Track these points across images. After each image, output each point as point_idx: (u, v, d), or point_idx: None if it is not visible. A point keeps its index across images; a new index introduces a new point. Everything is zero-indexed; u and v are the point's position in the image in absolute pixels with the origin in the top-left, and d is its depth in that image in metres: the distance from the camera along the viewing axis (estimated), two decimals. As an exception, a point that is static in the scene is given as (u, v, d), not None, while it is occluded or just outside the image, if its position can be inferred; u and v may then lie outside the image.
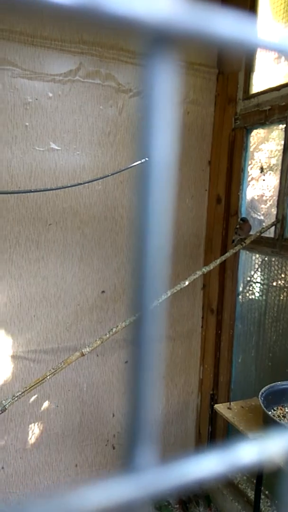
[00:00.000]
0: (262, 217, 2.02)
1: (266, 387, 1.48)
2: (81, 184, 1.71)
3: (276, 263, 1.86)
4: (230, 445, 0.16)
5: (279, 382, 1.52)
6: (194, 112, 2.10)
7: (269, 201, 1.96)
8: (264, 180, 1.97)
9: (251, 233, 1.80)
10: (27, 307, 1.85)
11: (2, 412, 1.26)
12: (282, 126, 1.76)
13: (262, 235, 1.79)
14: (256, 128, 1.96)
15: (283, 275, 1.84)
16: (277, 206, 1.78)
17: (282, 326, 1.84)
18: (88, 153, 1.87)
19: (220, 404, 1.71)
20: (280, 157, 1.76)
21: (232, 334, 2.11)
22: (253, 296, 2.04)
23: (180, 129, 2.07)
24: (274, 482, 1.85)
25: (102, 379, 2.08)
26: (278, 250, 1.77)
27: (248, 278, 2.04)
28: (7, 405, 1.26)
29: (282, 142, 1.73)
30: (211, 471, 0.16)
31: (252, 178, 2.03)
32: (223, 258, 1.76)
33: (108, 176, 1.70)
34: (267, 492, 1.90)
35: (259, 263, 1.98)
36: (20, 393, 1.29)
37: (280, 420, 1.40)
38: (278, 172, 1.78)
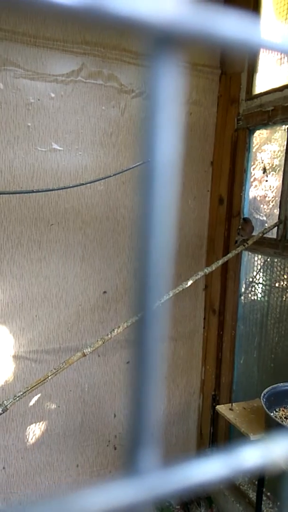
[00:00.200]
0: (264, 218, 2.02)
1: (268, 388, 1.48)
2: (83, 184, 1.71)
3: (279, 264, 1.86)
4: (233, 448, 0.16)
5: (282, 383, 1.51)
6: (197, 113, 2.10)
7: (272, 202, 1.96)
8: (266, 181, 1.96)
9: (253, 234, 1.80)
10: (28, 307, 1.85)
11: (3, 412, 1.26)
12: (285, 127, 1.75)
13: (265, 236, 1.79)
14: (259, 129, 1.95)
15: (285, 276, 1.83)
16: (280, 207, 1.77)
17: (284, 327, 1.84)
18: (90, 153, 1.87)
19: (222, 405, 1.71)
20: (283, 158, 1.75)
21: (234, 335, 2.11)
22: (255, 297, 2.04)
23: (183, 130, 2.07)
24: (276, 483, 1.84)
25: (104, 379, 2.08)
26: (281, 251, 1.77)
27: (250, 279, 2.04)
28: (9, 405, 1.26)
29: (285, 143, 1.73)
30: (214, 475, 0.16)
31: (254, 179, 2.03)
32: (225, 259, 1.76)
33: (110, 176, 1.70)
34: (269, 494, 1.89)
35: (262, 264, 1.97)
36: (21, 393, 1.29)
37: (282, 421, 1.39)
38: (281, 173, 1.78)
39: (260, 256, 1.97)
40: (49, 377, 1.33)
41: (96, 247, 1.96)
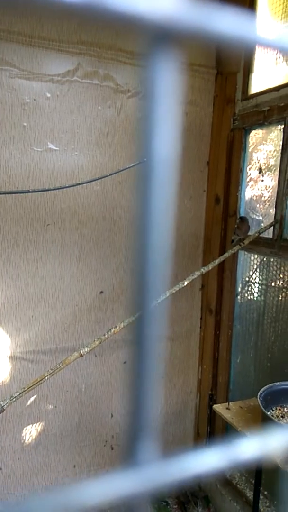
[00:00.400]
0: (260, 218, 2.03)
1: (265, 387, 1.48)
2: (79, 184, 1.71)
3: (275, 263, 1.87)
4: (230, 441, 0.16)
5: (278, 383, 1.52)
6: (193, 113, 2.10)
7: (268, 201, 1.96)
8: (262, 180, 1.97)
9: (249, 233, 1.80)
10: (25, 308, 1.85)
11: (0, 413, 1.26)
12: (281, 127, 1.76)
13: (261, 235, 1.79)
14: (254, 129, 1.96)
15: (281, 276, 1.84)
16: (276, 207, 1.78)
17: (280, 326, 1.85)
18: (86, 153, 1.87)
19: (219, 405, 1.71)
20: (279, 158, 1.76)
21: (231, 334, 2.11)
22: (251, 297, 2.04)
23: (179, 128, 2.07)
24: (273, 482, 1.85)
25: (101, 379, 2.07)
26: (277, 250, 1.77)
27: (247, 279, 2.05)
28: (5, 406, 1.26)
29: (281, 143, 1.74)
30: (211, 466, 0.16)
31: (250, 179, 2.03)
32: (221, 258, 1.76)
33: (107, 176, 1.70)
34: (266, 493, 1.90)
35: (258, 263, 1.98)
36: (18, 393, 1.28)
37: (278, 420, 1.40)
38: (277, 173, 1.78)
39: (256, 256, 1.97)
40: (46, 378, 1.33)
41: (92, 247, 1.95)
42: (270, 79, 1.84)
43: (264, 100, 1.83)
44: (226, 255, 1.77)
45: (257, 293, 2.01)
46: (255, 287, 2.02)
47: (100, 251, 1.97)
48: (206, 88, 2.11)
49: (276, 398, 1.49)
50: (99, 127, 1.88)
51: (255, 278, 2.01)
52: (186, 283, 1.59)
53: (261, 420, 1.46)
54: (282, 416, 1.43)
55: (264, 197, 1.98)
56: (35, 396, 1.92)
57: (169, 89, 0.15)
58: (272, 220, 1.79)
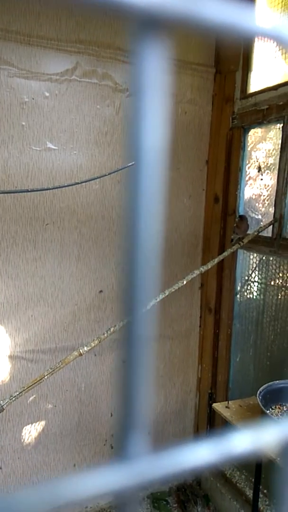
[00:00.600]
0: (259, 217, 2.03)
1: (264, 386, 1.48)
2: (78, 183, 1.70)
3: (274, 262, 1.87)
4: (223, 435, 0.16)
5: (277, 381, 1.52)
6: (192, 112, 2.10)
7: (267, 200, 1.96)
8: (261, 179, 1.97)
9: (248, 232, 1.80)
10: (24, 307, 1.85)
11: (0, 412, 1.26)
12: (280, 126, 1.76)
13: (260, 234, 1.79)
14: (253, 128, 1.96)
15: (280, 274, 1.84)
16: (275, 206, 1.78)
17: (280, 325, 1.85)
18: (85, 152, 1.87)
19: (218, 403, 1.71)
20: (278, 157, 1.76)
21: (230, 333, 2.11)
22: (251, 296, 2.04)
23: (177, 129, 2.07)
24: (273, 480, 1.85)
25: (100, 378, 2.07)
26: (276, 249, 1.77)
27: (246, 278, 2.05)
28: (5, 405, 1.26)
29: (280, 142, 1.74)
30: (204, 460, 0.16)
31: (249, 178, 2.03)
32: (220, 257, 1.76)
33: (105, 175, 1.70)
34: (265, 491, 1.90)
35: (257, 262, 1.98)
36: (17, 393, 1.28)
37: (278, 418, 1.40)
38: (276, 172, 1.78)
39: (255, 255, 1.97)
40: (46, 377, 1.33)
41: (91, 246, 1.95)
42: (269, 78, 1.84)
43: (263, 98, 1.83)
44: (225, 254, 1.77)
45: (256, 292, 2.01)
46: (254, 286, 2.02)
47: (99, 250, 1.97)
48: (205, 87, 2.11)
49: (275, 396, 1.49)
50: (98, 126, 1.88)
51: (254, 277, 2.01)
52: (185, 282, 1.59)
53: (260, 418, 1.46)
54: (281, 415, 1.43)
55: (263, 196, 1.97)
56: (34, 395, 1.92)
57: (158, 82, 0.15)
58: (271, 219, 1.79)
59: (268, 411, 1.41)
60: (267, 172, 1.93)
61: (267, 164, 1.93)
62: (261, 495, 1.83)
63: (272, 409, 1.47)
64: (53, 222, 1.85)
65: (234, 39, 0.17)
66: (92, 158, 1.88)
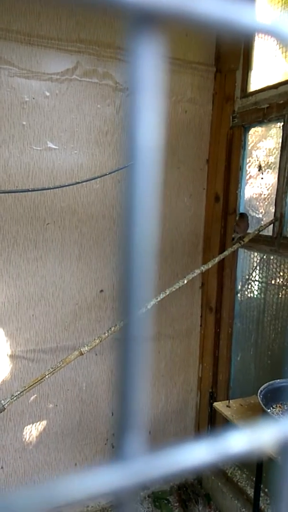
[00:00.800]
0: (260, 216, 2.02)
1: (265, 385, 1.48)
2: (79, 183, 1.71)
3: (275, 261, 1.87)
4: (222, 434, 0.16)
5: (278, 380, 1.52)
6: (192, 111, 2.10)
7: (268, 199, 1.96)
8: (262, 178, 1.97)
9: (249, 231, 1.80)
10: (25, 307, 1.85)
11: (1, 412, 1.26)
12: (280, 124, 1.76)
13: (261, 233, 1.79)
14: (254, 126, 1.96)
15: (281, 273, 1.84)
16: (275, 205, 1.78)
17: (280, 324, 1.85)
18: (85, 152, 1.87)
19: (219, 402, 1.71)
20: (278, 155, 1.76)
21: (231, 332, 2.11)
22: (251, 295, 2.04)
23: (177, 128, 2.07)
24: (274, 480, 1.85)
25: (101, 378, 2.08)
26: (277, 248, 1.77)
27: (247, 277, 2.04)
28: (6, 405, 1.26)
29: (280, 140, 1.73)
30: (203, 459, 0.16)
31: (250, 177, 2.03)
32: (221, 256, 1.76)
33: (106, 175, 1.70)
34: (266, 490, 1.90)
35: (258, 261, 1.98)
36: (19, 392, 1.29)
37: (278, 417, 1.40)
38: (276, 170, 1.78)
39: (256, 254, 1.97)
40: (47, 376, 1.33)
41: (92, 246, 1.95)
42: (269, 77, 1.84)
43: (263, 97, 1.82)
44: (226, 253, 1.77)
45: (257, 291, 2.01)
46: (255, 285, 2.02)
47: (100, 250, 1.97)
48: (205, 86, 2.11)
49: (276, 395, 1.49)
50: (99, 126, 1.88)
51: (255, 276, 2.01)
52: (185, 281, 1.59)
53: (261, 417, 1.46)
54: (282, 414, 1.43)
55: (264, 194, 1.97)
56: (36, 395, 1.92)
57: (155, 80, 0.15)
58: (272, 218, 1.79)
59: (269, 410, 1.41)
60: (268, 171, 1.92)
61: (268, 163, 1.92)
62: (262, 494, 1.83)
63: (273, 408, 1.47)
64: (54, 222, 1.85)
65: (233, 36, 0.17)
66: (93, 157, 1.88)
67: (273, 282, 1.90)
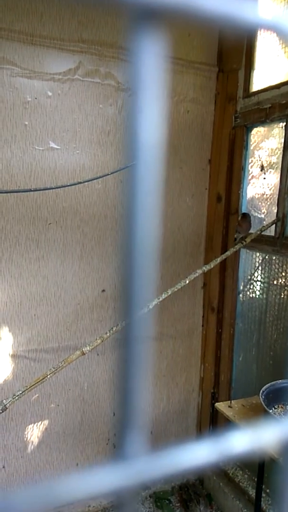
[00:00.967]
0: (262, 216, 2.02)
1: (267, 385, 1.48)
2: (81, 183, 1.71)
3: (277, 261, 1.86)
4: (223, 434, 0.16)
5: (280, 381, 1.52)
6: (194, 111, 2.09)
7: (270, 199, 1.96)
8: (264, 178, 1.96)
9: (251, 231, 1.80)
10: (27, 306, 1.85)
11: (2, 411, 1.26)
12: (283, 124, 1.75)
13: (263, 233, 1.79)
14: (256, 126, 1.95)
15: (283, 274, 1.84)
16: (278, 205, 1.77)
17: (283, 324, 1.84)
18: (88, 152, 1.87)
19: (221, 403, 1.71)
20: (281, 155, 1.76)
21: (233, 332, 2.11)
22: (253, 295, 2.04)
23: (180, 128, 2.07)
24: (275, 480, 1.85)
25: (103, 378, 2.08)
26: (279, 248, 1.77)
27: (249, 277, 2.04)
28: (8, 404, 1.26)
29: (283, 140, 1.73)
30: (204, 459, 0.16)
31: (252, 177, 2.03)
32: (223, 256, 1.76)
33: (108, 175, 1.70)
34: (268, 491, 1.90)
35: (260, 261, 1.97)
36: (20, 392, 1.29)
37: (280, 418, 1.39)
38: (279, 170, 1.78)
39: (258, 254, 1.97)
40: (48, 376, 1.33)
41: (94, 246, 1.95)
42: (272, 77, 1.83)
43: (265, 97, 1.82)
44: (228, 253, 1.77)
45: (259, 291, 2.00)
46: (257, 285, 2.01)
47: (102, 250, 1.97)
48: (207, 86, 2.10)
49: (278, 396, 1.48)
50: (101, 126, 1.88)
51: (257, 276, 2.00)
52: (187, 281, 1.59)
53: (263, 418, 1.46)
54: (284, 414, 1.43)
55: (266, 195, 1.97)
56: (37, 394, 1.93)
57: (156, 79, 0.15)
58: (274, 218, 1.79)
59: (271, 411, 1.41)
60: (270, 171, 1.92)
61: (270, 163, 1.92)
62: (264, 495, 1.83)
63: (275, 408, 1.47)
64: (56, 222, 1.86)
65: (236, 32, 0.17)
66: (95, 157, 1.88)
67: (275, 282, 1.89)
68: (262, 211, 2.02)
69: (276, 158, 1.87)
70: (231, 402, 1.68)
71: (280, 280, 1.86)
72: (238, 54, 1.99)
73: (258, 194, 2.03)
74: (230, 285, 2.12)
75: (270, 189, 1.94)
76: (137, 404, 0.16)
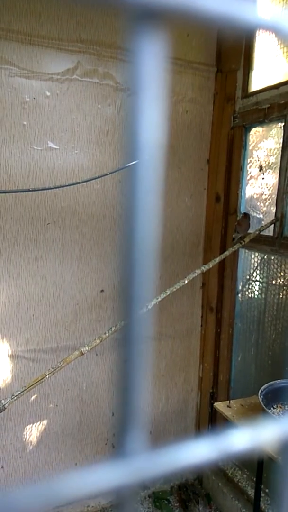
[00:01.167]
0: (261, 216, 2.02)
1: (266, 385, 1.48)
2: (79, 183, 1.71)
3: (275, 261, 1.86)
4: (221, 432, 0.16)
5: (279, 380, 1.52)
6: (193, 111, 2.10)
7: (268, 199, 1.96)
8: (263, 178, 1.96)
9: (250, 231, 1.80)
10: (26, 307, 1.85)
11: (1, 412, 1.26)
12: (281, 124, 1.76)
13: (261, 233, 1.79)
14: (255, 127, 1.96)
15: (282, 274, 1.84)
16: (276, 205, 1.78)
17: (281, 324, 1.84)
18: (86, 152, 1.87)
19: (220, 402, 1.71)
20: (279, 155, 1.76)
21: (232, 332, 2.11)
22: (252, 295, 2.04)
23: (178, 128, 2.07)
24: (274, 480, 1.85)
25: (102, 378, 2.08)
26: (277, 248, 1.77)
27: (248, 277, 2.04)
28: (7, 405, 1.26)
29: (281, 140, 1.73)
30: (202, 458, 0.16)
31: (251, 177, 2.03)
32: (222, 256, 1.76)
33: (107, 175, 1.70)
34: (267, 490, 1.90)
35: (258, 261, 1.97)
36: (19, 392, 1.29)
37: (279, 418, 1.40)
38: (277, 171, 1.78)
39: (257, 254, 1.97)
40: (47, 376, 1.33)
41: (93, 246, 1.95)
42: (270, 77, 1.84)
43: (264, 97, 1.82)
44: (227, 253, 1.77)
45: (257, 291, 2.01)
46: (255, 285, 2.01)
47: (100, 250, 1.97)
48: (206, 86, 2.11)
49: (277, 396, 1.49)
50: (99, 126, 1.88)
51: (255, 276, 2.01)
52: (186, 281, 1.59)
53: (262, 417, 1.46)
54: (282, 414, 1.43)
55: (265, 195, 1.97)
56: (36, 394, 1.92)
57: (156, 79, 0.15)
58: (272, 218, 1.79)
59: (269, 410, 1.41)
60: (269, 171, 1.92)
61: (269, 163, 1.92)
62: (262, 494, 1.83)
63: (273, 408, 1.47)
64: (55, 222, 1.86)
65: (235, 32, 0.17)
66: (93, 157, 1.88)
67: (273, 282, 1.90)
68: (261, 211, 2.02)
69: (275, 158, 1.87)
70: (230, 402, 1.68)
71: (278, 280, 1.87)
72: (237, 54, 1.99)
73: (257, 194, 2.03)
74: (228, 285, 2.12)
75: (268, 189, 1.94)
76: (137, 404, 0.16)
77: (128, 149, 0.16)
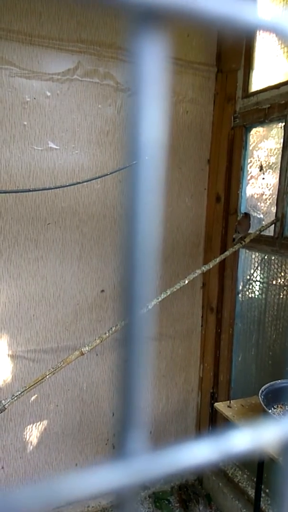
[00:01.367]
0: (261, 216, 2.02)
1: (266, 385, 1.48)
2: (80, 183, 1.71)
3: (276, 261, 1.86)
4: (222, 433, 0.16)
5: (279, 381, 1.52)
6: (193, 111, 2.10)
7: (269, 199, 1.96)
8: (263, 178, 1.96)
9: (250, 231, 1.80)
10: (26, 307, 1.85)
11: (1, 412, 1.26)
12: (282, 124, 1.75)
13: (262, 233, 1.79)
14: (255, 127, 1.96)
15: (282, 274, 1.84)
16: (277, 205, 1.77)
17: (282, 324, 1.84)
18: (86, 152, 1.87)
19: (220, 403, 1.71)
20: (280, 156, 1.76)
21: (232, 332, 2.11)
22: (252, 295, 2.04)
23: (179, 128, 2.07)
24: (275, 480, 1.85)
25: (102, 378, 2.08)
26: (278, 248, 1.77)
27: (248, 277, 2.04)
28: (7, 405, 1.26)
29: (282, 140, 1.73)
30: (203, 458, 0.16)
31: (251, 177, 2.03)
32: (222, 256, 1.76)
33: (107, 175, 1.70)
34: (267, 491, 1.90)
35: (259, 261, 1.97)
36: (19, 392, 1.29)
37: (279, 418, 1.40)
38: (278, 171, 1.78)
39: (257, 254, 1.97)
40: (47, 376, 1.33)
41: (93, 246, 1.95)
42: (271, 77, 1.84)
43: (264, 97, 1.82)
44: (227, 253, 1.77)
45: (258, 291, 2.01)
46: (256, 285, 2.01)
47: (101, 250, 1.97)
48: (206, 86, 2.11)
49: (277, 396, 1.49)
50: (100, 126, 1.88)
51: (256, 276, 2.00)
52: (187, 281, 1.59)
53: (262, 418, 1.46)
54: (283, 414, 1.43)
55: (265, 195, 1.97)
56: (36, 395, 1.92)
57: (157, 79, 0.15)
58: (273, 218, 1.79)
59: (270, 411, 1.41)
60: (269, 171, 1.92)
61: (269, 163, 1.92)
62: (263, 495, 1.83)
63: (274, 408, 1.47)
64: (55, 222, 1.86)
65: (235, 33, 0.17)
66: (94, 157, 1.88)
67: (274, 282, 1.90)
68: (261, 211, 2.02)
69: (275, 158, 1.87)
70: (230, 402, 1.68)
71: (279, 280, 1.87)
72: (237, 54, 1.99)
73: (257, 194, 2.03)
74: (229, 285, 2.12)
75: (269, 189, 1.94)
76: (137, 404, 0.16)
77: (128, 149, 0.16)
